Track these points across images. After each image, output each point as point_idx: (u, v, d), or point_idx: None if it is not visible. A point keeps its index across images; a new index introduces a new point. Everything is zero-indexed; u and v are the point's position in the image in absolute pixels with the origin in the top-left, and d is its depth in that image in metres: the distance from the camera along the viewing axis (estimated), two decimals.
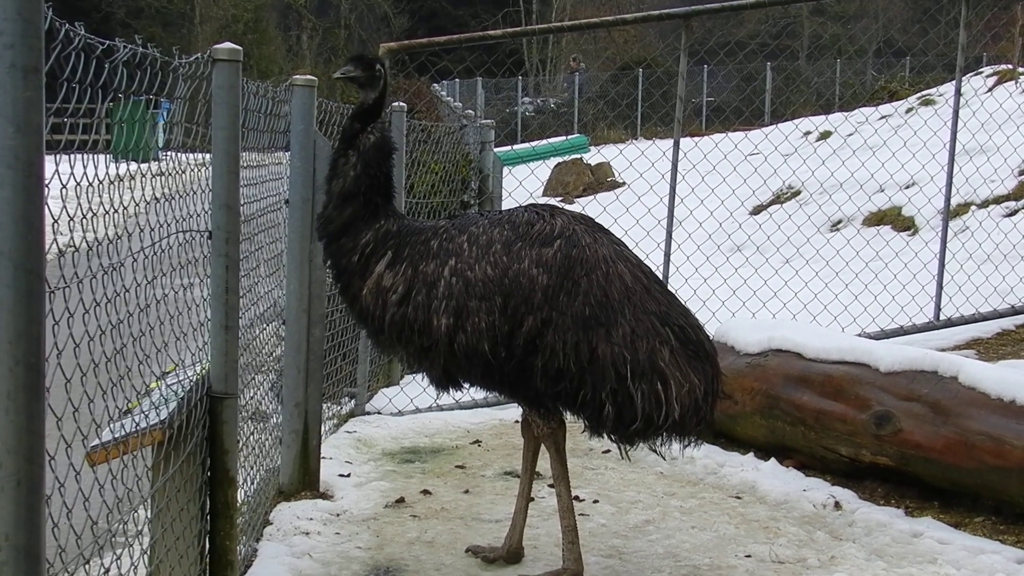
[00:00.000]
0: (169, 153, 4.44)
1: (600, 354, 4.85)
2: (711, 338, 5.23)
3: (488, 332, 4.97)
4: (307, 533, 5.80)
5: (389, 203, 5.46)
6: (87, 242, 3.27)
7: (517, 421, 6.58)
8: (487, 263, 5.03)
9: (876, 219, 15.37)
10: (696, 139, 14.29)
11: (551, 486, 6.62)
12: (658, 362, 4.85)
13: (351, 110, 5.69)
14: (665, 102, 21.23)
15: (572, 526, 5.30)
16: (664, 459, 5.33)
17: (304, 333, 6.49)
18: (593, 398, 4.89)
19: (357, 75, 5.49)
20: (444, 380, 5.32)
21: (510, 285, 4.96)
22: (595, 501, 6.46)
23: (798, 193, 17.20)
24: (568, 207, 8.15)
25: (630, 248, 5.31)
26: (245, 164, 4.97)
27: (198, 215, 4.45)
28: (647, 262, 5.28)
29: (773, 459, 7.01)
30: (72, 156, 3.10)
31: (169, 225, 4.09)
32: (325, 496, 6.49)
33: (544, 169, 22.55)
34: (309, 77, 6.65)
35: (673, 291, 5.47)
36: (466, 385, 5.39)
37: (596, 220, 5.38)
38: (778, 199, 17.44)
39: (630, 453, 5.19)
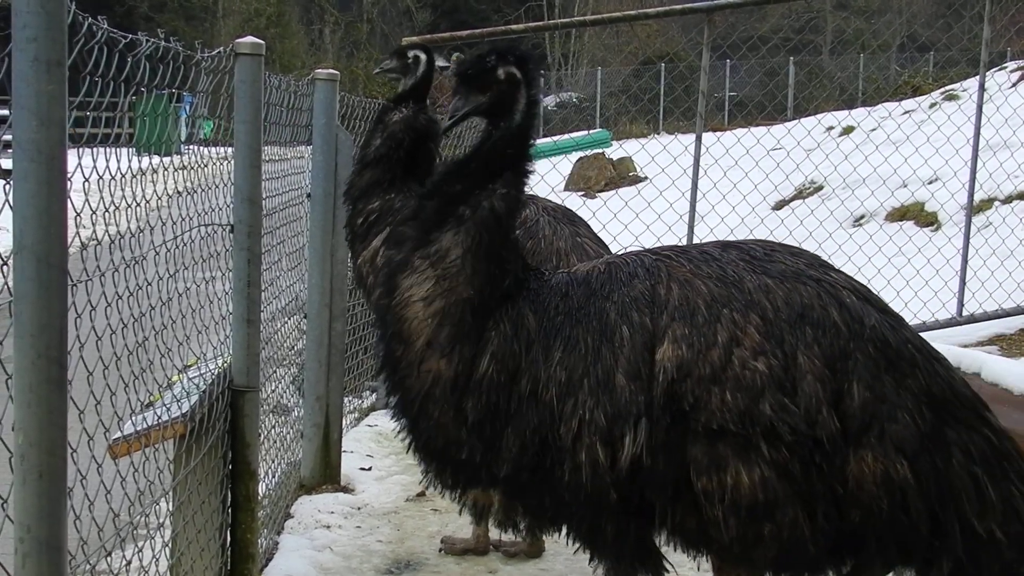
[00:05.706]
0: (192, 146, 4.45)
1: None
2: None
3: None
4: (328, 526, 5.81)
5: (410, 181, 5.55)
6: (109, 236, 3.28)
7: None
8: None
9: (899, 214, 15.26)
10: (718, 134, 14.27)
11: None
12: None
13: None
14: (688, 97, 21.14)
15: None
16: None
17: (326, 327, 6.50)
18: None
19: (394, 66, 5.77)
20: None
21: None
22: None
23: (820, 188, 17.10)
24: (590, 201, 8.12)
25: (604, 242, 5.29)
26: (267, 158, 4.97)
27: (220, 209, 4.46)
28: None
29: None
30: (95, 150, 3.11)
31: (191, 219, 4.10)
32: (346, 489, 6.50)
33: (566, 163, 22.53)
34: (331, 71, 6.66)
35: None
36: None
37: (573, 212, 5.36)
38: (800, 194, 17.36)
39: None
